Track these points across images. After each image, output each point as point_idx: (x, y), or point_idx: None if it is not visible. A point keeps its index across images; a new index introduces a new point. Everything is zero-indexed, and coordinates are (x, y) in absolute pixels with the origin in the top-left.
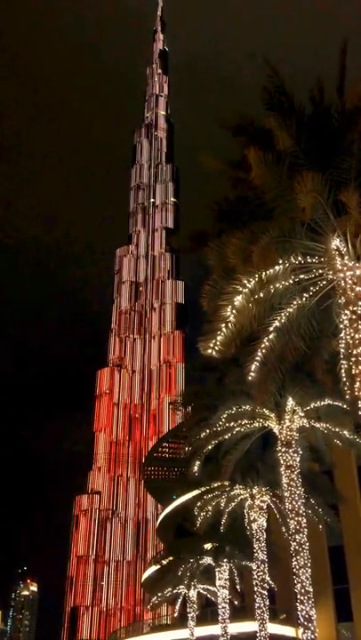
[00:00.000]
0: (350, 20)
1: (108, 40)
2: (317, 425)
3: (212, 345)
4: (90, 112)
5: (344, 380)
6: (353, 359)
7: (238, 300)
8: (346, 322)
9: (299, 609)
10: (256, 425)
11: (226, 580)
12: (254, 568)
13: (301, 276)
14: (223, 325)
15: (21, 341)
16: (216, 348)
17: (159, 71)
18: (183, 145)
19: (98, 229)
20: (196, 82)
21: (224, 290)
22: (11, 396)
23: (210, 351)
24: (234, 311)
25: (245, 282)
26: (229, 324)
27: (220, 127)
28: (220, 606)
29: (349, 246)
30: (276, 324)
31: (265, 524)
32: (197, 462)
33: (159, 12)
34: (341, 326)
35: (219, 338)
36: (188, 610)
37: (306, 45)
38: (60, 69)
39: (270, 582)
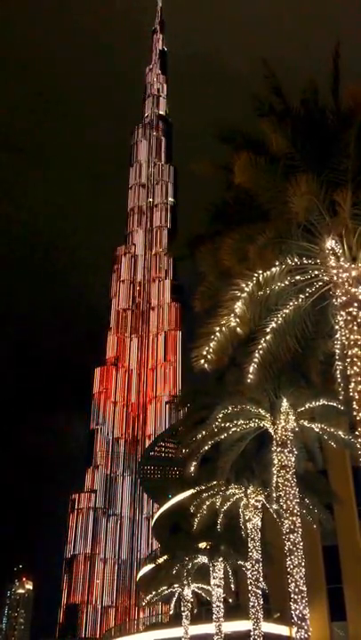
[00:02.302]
0: (349, 19)
1: (107, 40)
2: (312, 425)
3: (204, 353)
4: (89, 112)
5: (339, 380)
6: (348, 360)
7: (239, 305)
8: (341, 323)
9: (293, 608)
10: (252, 425)
11: (220, 578)
12: (249, 567)
13: (297, 278)
14: (218, 329)
15: (19, 340)
16: (208, 357)
17: (158, 71)
18: (182, 145)
19: (96, 228)
20: (195, 82)
21: (221, 294)
22: (9, 394)
23: (202, 361)
24: (237, 320)
25: (243, 285)
26: (224, 331)
27: (213, 137)
28: (214, 605)
29: (345, 247)
30: (273, 325)
31: (260, 524)
32: (194, 462)
33: (158, 13)
34: (337, 327)
35: (212, 344)
36: (182, 608)
37: (305, 45)
38: (60, 69)
39: (264, 582)
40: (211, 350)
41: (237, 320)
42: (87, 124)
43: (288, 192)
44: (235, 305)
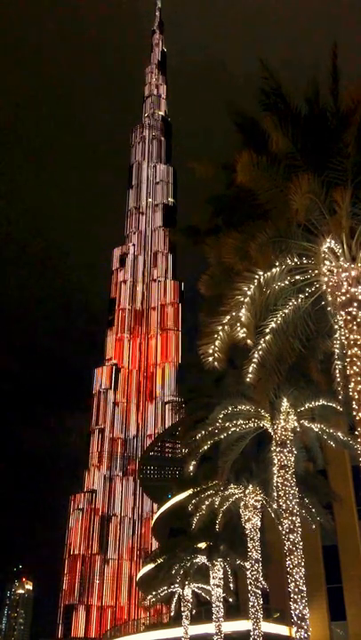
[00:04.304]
0: (350, 19)
1: (107, 41)
2: (312, 425)
3: (210, 351)
4: (89, 112)
5: (338, 380)
6: (348, 360)
7: (243, 313)
8: (341, 323)
9: (292, 608)
10: (251, 425)
11: (220, 578)
12: (248, 567)
13: (297, 277)
14: (220, 329)
15: (19, 341)
16: (215, 355)
17: (158, 71)
18: (181, 144)
19: (96, 228)
20: (194, 82)
21: (223, 288)
22: (9, 395)
23: (210, 359)
24: (244, 330)
25: (246, 289)
26: (226, 331)
27: (225, 116)
28: (214, 605)
29: (345, 247)
30: (273, 325)
31: (259, 524)
32: (193, 462)
33: (157, 13)
34: (336, 327)
35: (217, 343)
36: (182, 608)
37: (306, 44)
38: (61, 69)
39: (264, 582)
40: (217, 349)
41: (245, 330)
42: (87, 125)
43: (290, 191)
44: (240, 312)
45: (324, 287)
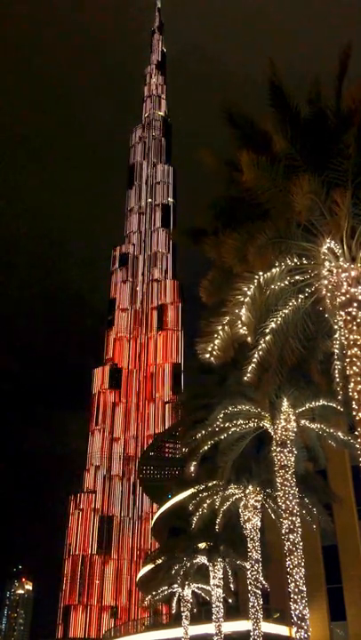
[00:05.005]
0: (351, 19)
1: (107, 41)
2: (312, 425)
3: (209, 349)
4: (89, 112)
5: (338, 380)
6: (347, 360)
7: (243, 312)
8: (341, 323)
9: (292, 608)
10: (251, 425)
11: (220, 579)
12: (248, 567)
13: (297, 278)
14: (220, 329)
15: (19, 340)
16: (214, 352)
17: (157, 72)
18: (181, 145)
19: (96, 228)
20: (194, 82)
21: (224, 292)
22: (9, 394)
23: (208, 355)
24: (244, 328)
25: (246, 289)
26: (226, 329)
27: (222, 117)
28: (214, 605)
29: (345, 247)
30: (273, 325)
31: (259, 524)
32: (194, 462)
33: (157, 13)
34: (336, 327)
35: (216, 342)
36: (182, 609)
37: (306, 45)
38: (60, 69)
39: (264, 582)
40: (216, 347)
41: (245, 329)
42: (87, 125)
43: (291, 191)
44: (240, 311)
45: (324, 289)
